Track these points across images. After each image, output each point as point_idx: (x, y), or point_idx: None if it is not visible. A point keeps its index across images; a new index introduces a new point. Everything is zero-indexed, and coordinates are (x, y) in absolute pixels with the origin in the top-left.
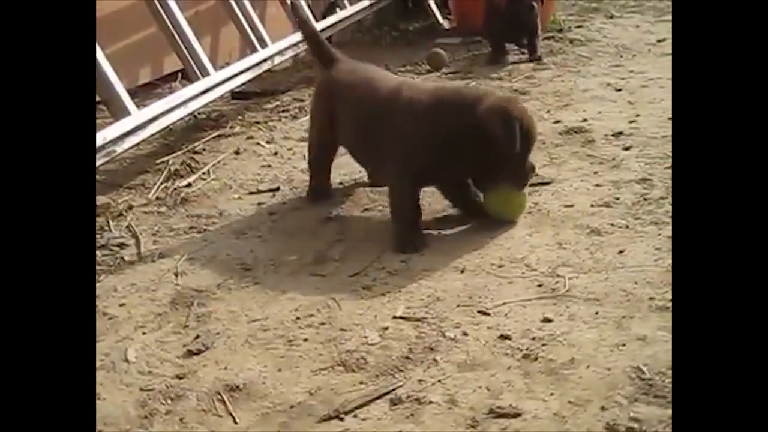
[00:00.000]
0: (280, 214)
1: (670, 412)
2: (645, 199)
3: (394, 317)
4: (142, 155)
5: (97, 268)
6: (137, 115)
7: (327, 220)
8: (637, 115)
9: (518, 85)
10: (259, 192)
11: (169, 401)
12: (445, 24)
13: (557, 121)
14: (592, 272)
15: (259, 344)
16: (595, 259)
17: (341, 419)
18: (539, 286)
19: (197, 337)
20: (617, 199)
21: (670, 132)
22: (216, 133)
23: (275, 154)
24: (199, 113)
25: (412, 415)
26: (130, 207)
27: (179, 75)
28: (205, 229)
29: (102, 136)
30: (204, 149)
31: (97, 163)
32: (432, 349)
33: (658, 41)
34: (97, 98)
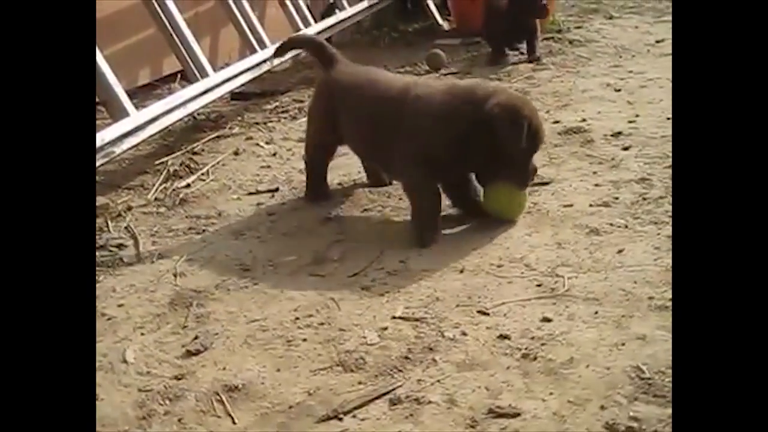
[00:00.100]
0: (279, 214)
1: (669, 411)
2: (644, 199)
3: (393, 317)
4: (141, 156)
5: (96, 268)
6: (136, 116)
7: (326, 221)
8: (636, 115)
9: (518, 86)
10: (258, 192)
11: (167, 402)
12: (445, 25)
13: (556, 122)
14: (592, 272)
15: (257, 344)
16: (594, 259)
17: (340, 419)
18: (538, 285)
19: (196, 337)
20: (616, 198)
21: (669, 132)
22: (215, 134)
23: (274, 154)
24: (198, 114)
25: (411, 415)
26: (129, 208)
27: (178, 76)
28: (204, 230)
29: (101, 137)
30: (203, 150)
31: (96, 164)
32: (431, 349)
33: (657, 42)
34: (96, 99)
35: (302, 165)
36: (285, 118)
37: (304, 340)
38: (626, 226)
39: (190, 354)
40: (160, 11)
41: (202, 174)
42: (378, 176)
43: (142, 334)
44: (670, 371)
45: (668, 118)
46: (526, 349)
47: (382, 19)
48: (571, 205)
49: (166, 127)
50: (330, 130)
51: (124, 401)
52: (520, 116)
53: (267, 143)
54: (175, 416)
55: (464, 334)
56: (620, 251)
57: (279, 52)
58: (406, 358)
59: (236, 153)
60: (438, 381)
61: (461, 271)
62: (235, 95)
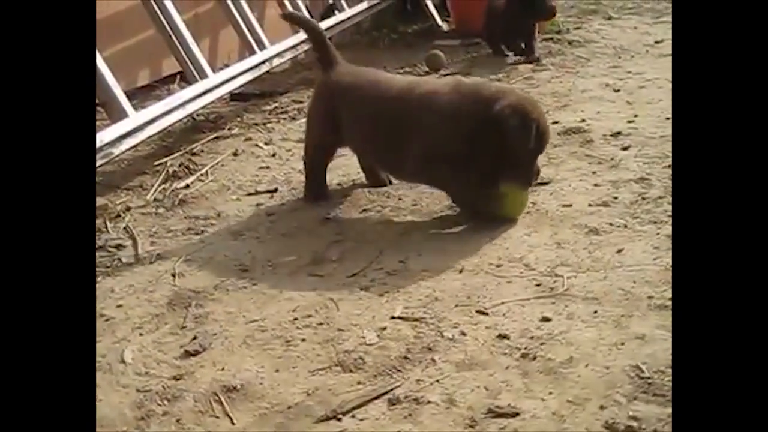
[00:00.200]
0: (278, 215)
1: (669, 410)
2: (643, 199)
3: (392, 317)
4: (140, 157)
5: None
6: (135, 117)
7: (325, 221)
8: (636, 116)
9: (517, 86)
10: (257, 193)
11: (165, 402)
12: (444, 26)
13: (556, 122)
14: (591, 271)
15: (256, 345)
16: (593, 259)
17: (339, 420)
18: (538, 285)
19: (194, 338)
20: (616, 198)
21: (668, 132)
22: (214, 135)
23: (273, 155)
24: (197, 115)
25: (410, 415)
26: (128, 208)
27: (178, 77)
28: (203, 231)
29: (99, 138)
30: (202, 151)
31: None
32: (430, 349)
33: (656, 42)
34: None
35: (301, 165)
36: (284, 118)
37: (303, 340)
38: (625, 226)
39: (188, 354)
40: (159, 12)
41: (201, 175)
42: (377, 176)
43: (141, 334)
44: (669, 370)
45: (667, 118)
46: (525, 348)
47: (382, 20)
48: (570, 205)
49: (165, 128)
50: (330, 132)
51: (122, 402)
52: (529, 118)
53: (266, 144)
54: (173, 417)
55: (463, 333)
56: (619, 251)
57: (287, 18)
58: (405, 358)
59: (235, 154)
60: (437, 381)
61: (460, 271)
62: (234, 96)
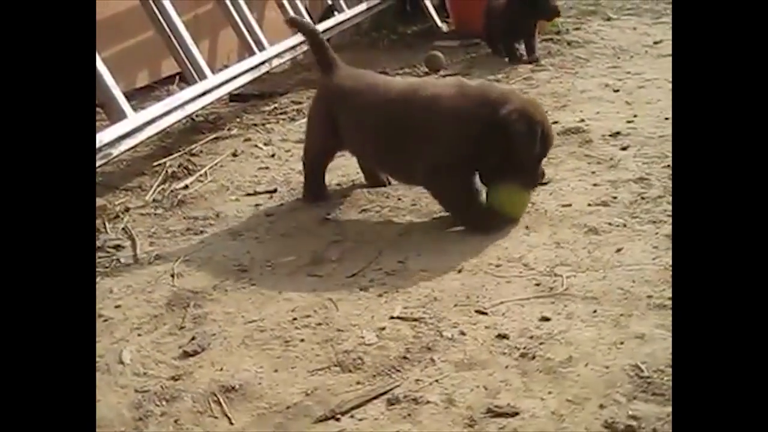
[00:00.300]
0: (277, 215)
1: (668, 409)
2: (642, 198)
3: (392, 317)
4: (139, 157)
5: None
6: (134, 118)
7: (324, 221)
8: (635, 116)
9: (516, 87)
10: (256, 194)
11: (164, 403)
12: (443, 27)
13: (555, 122)
14: (590, 271)
15: (255, 345)
16: (593, 258)
17: (338, 420)
18: (537, 285)
19: (193, 338)
20: (615, 198)
21: (667, 132)
22: (213, 136)
23: (273, 156)
24: (196, 116)
25: (409, 415)
26: (127, 209)
27: (177, 78)
28: (201, 231)
29: (99, 139)
30: (201, 151)
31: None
32: (429, 348)
33: (655, 43)
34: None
35: (300, 166)
36: (283, 119)
37: (302, 340)
38: (625, 226)
39: (187, 355)
40: (158, 13)
41: (201, 175)
42: (376, 177)
43: (139, 335)
44: (669, 370)
45: (666, 118)
46: (524, 348)
47: (381, 21)
48: (569, 205)
49: (165, 129)
50: (330, 135)
51: (120, 402)
52: (535, 123)
53: (265, 144)
54: (171, 417)
55: (463, 333)
56: (619, 250)
57: (289, 23)
58: (405, 358)
59: (234, 154)
60: (436, 381)
61: (460, 271)
62: (233, 97)
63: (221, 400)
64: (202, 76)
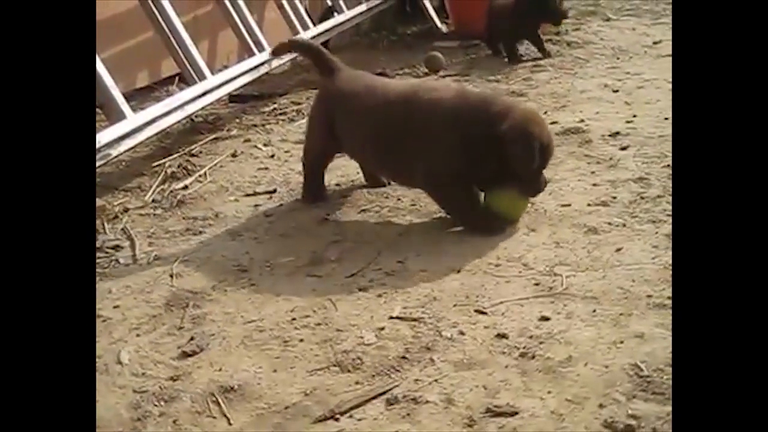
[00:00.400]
0: (276, 215)
1: (668, 408)
2: (642, 198)
3: (391, 317)
4: (138, 158)
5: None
6: (133, 119)
7: (324, 222)
8: (634, 116)
9: (516, 87)
10: (255, 194)
11: (162, 403)
12: (443, 28)
13: (554, 122)
14: (590, 270)
15: (254, 345)
16: (592, 258)
17: (337, 420)
18: (536, 284)
19: (192, 338)
20: (614, 198)
21: (666, 132)
22: (213, 136)
23: (272, 156)
24: (196, 116)
25: (408, 414)
26: (126, 209)
27: (176, 79)
28: (201, 231)
29: (98, 140)
30: (201, 152)
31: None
32: (429, 348)
33: (654, 43)
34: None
35: (300, 167)
36: (283, 120)
37: (301, 340)
38: (624, 225)
39: (185, 355)
40: (157, 14)
41: (200, 176)
42: (376, 177)
43: (138, 335)
44: (668, 369)
45: (665, 118)
46: (524, 347)
47: (381, 22)
48: (569, 205)
49: (164, 130)
50: (330, 137)
51: (118, 403)
52: (534, 140)
53: (265, 145)
54: (170, 417)
55: (462, 333)
56: (618, 250)
57: (276, 52)
58: (404, 357)
59: (234, 155)
60: (435, 380)
61: (459, 271)
62: (233, 97)
63: (220, 400)
64: (202, 77)
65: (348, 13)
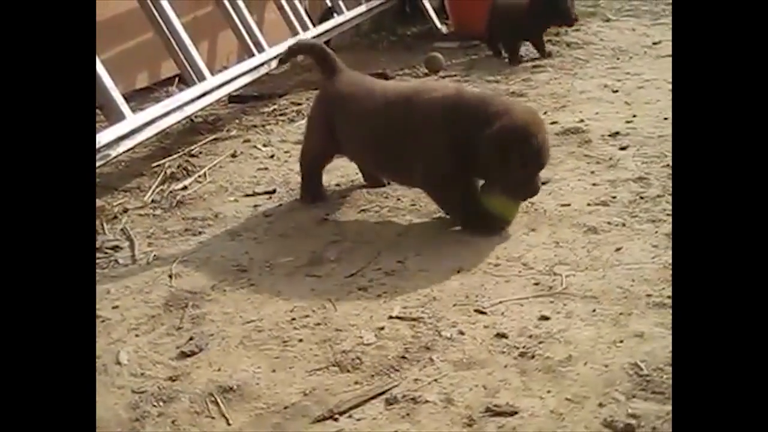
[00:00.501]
0: (276, 215)
1: (668, 407)
2: (641, 198)
3: (390, 317)
4: (138, 158)
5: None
6: (133, 119)
7: (323, 222)
8: (634, 116)
9: (515, 87)
10: (255, 194)
11: (161, 403)
12: (443, 28)
13: (554, 122)
14: (590, 270)
15: (253, 345)
16: (592, 257)
17: (336, 420)
18: (536, 284)
19: (191, 338)
20: (614, 197)
21: (666, 132)
22: (213, 137)
23: (272, 157)
24: (195, 117)
25: (407, 414)
26: (125, 210)
27: (176, 79)
28: (200, 232)
29: (97, 140)
30: (200, 152)
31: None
32: (428, 348)
33: (654, 44)
34: None
35: (299, 167)
36: (282, 120)
37: (300, 340)
38: (624, 225)
39: (184, 355)
40: (157, 15)
41: (199, 176)
42: (375, 177)
43: (137, 335)
44: (668, 368)
45: (665, 119)
46: (523, 347)
47: (381, 23)
48: (569, 205)
49: (164, 130)
50: (330, 138)
51: (117, 403)
52: (525, 144)
53: (264, 146)
54: (168, 418)
55: (461, 333)
56: (618, 249)
57: (284, 60)
58: (403, 357)
59: (233, 155)
60: (435, 380)
61: (459, 271)
62: (232, 98)
63: (219, 400)
64: (201, 78)
65: (348, 14)
